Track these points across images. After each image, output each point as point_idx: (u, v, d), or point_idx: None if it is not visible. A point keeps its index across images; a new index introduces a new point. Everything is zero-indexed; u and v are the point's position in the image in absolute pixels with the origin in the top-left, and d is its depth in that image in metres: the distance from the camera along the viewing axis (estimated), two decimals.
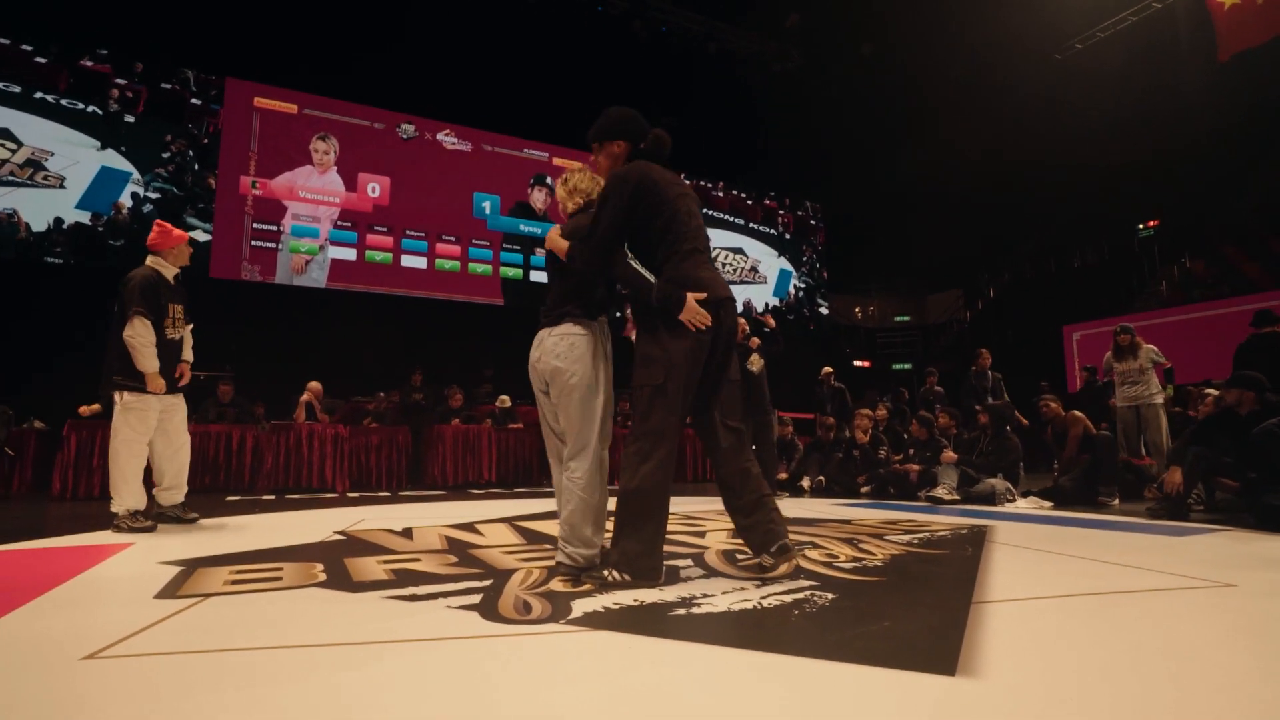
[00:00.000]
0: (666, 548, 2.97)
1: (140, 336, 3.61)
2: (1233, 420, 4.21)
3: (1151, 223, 16.31)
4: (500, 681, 1.32)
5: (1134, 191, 16.09)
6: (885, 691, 1.25)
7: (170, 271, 3.90)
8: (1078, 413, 5.59)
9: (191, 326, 4.04)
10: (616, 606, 1.89)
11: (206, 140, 10.44)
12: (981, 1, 13.27)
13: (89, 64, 9.81)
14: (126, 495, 3.60)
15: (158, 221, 4.01)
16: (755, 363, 5.50)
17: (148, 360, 3.64)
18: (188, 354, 3.98)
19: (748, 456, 2.37)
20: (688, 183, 2.53)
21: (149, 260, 3.87)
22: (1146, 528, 3.75)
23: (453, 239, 12.09)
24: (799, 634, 1.65)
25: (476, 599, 1.98)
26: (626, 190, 2.23)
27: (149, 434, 3.73)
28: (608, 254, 2.26)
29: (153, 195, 9.93)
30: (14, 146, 9.16)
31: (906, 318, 19.44)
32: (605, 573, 2.18)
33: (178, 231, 3.98)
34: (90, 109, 9.70)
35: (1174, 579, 2.29)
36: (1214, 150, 15.18)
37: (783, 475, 6.65)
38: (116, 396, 3.65)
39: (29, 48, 9.43)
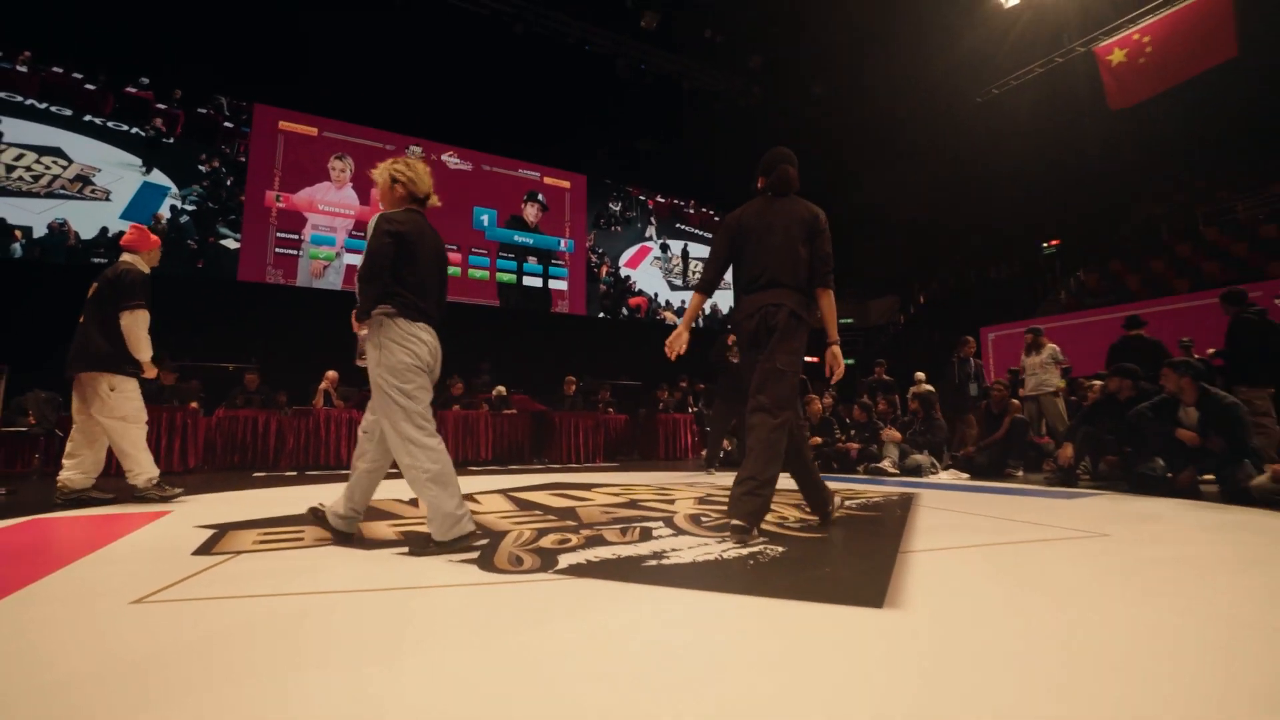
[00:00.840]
0: (638, 512, 3.02)
1: (142, 327, 3.39)
2: (1114, 404, 4.36)
3: (1054, 242, 16.75)
4: (496, 618, 1.35)
5: (1039, 216, 16.55)
6: (824, 620, 1.30)
7: (146, 270, 3.60)
8: (1016, 401, 5.76)
9: None
10: (597, 559, 1.92)
11: (243, 158, 10.24)
12: (915, 50, 13.46)
13: (133, 91, 9.55)
14: (146, 465, 3.42)
15: (135, 225, 3.69)
16: (735, 354, 5.55)
17: (147, 349, 3.43)
18: None
19: (756, 437, 2.26)
20: (808, 203, 2.52)
21: (129, 258, 3.53)
22: (1043, 493, 3.88)
23: (454, 247, 11.96)
24: (753, 578, 1.69)
25: (475, 554, 1.99)
26: (720, 233, 2.61)
27: (144, 410, 3.51)
28: (711, 283, 2.56)
29: (189, 208, 9.68)
30: (66, 163, 8.92)
31: (850, 320, 19.70)
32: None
33: (155, 237, 3.69)
34: (134, 131, 9.45)
35: (1062, 531, 2.39)
36: (1105, 183, 15.66)
37: None
38: (105, 379, 3.34)
39: (79, 76, 9.21)
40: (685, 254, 15.06)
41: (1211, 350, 6.14)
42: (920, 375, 8.18)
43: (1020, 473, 5.28)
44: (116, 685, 0.98)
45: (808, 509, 2.75)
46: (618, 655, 1.11)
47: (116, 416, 3.37)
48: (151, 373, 3.52)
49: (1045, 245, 16.81)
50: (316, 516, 2.29)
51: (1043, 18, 12.55)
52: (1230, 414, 3.57)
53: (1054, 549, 2.08)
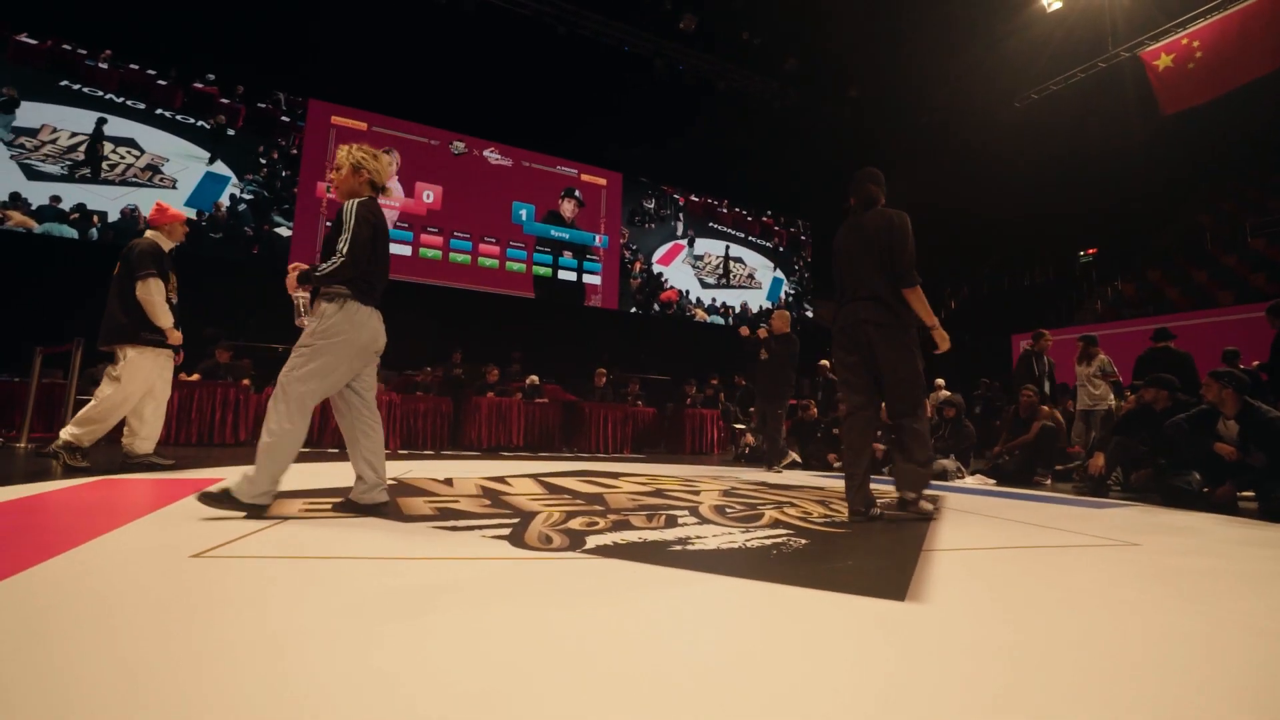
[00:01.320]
0: (664, 500, 3.02)
1: (157, 294, 3.41)
2: (1149, 415, 4.19)
3: (1090, 250, 16.13)
4: (525, 590, 1.37)
5: (1077, 223, 15.94)
6: (846, 609, 1.29)
7: (167, 245, 3.59)
8: (1046, 408, 5.57)
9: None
10: (624, 542, 1.92)
11: (296, 151, 10.55)
12: (953, 54, 13.09)
13: (200, 86, 9.96)
14: (85, 433, 3.33)
15: (158, 202, 3.75)
16: (766, 352, 5.54)
17: (165, 315, 3.45)
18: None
19: (907, 435, 2.73)
20: (886, 211, 2.68)
21: (148, 233, 3.58)
22: (1072, 501, 3.75)
23: (493, 240, 12.13)
24: (776, 567, 1.67)
25: (506, 531, 2.02)
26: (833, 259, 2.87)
27: (146, 387, 3.53)
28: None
29: (247, 197, 10.02)
30: (138, 153, 9.37)
31: None
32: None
33: (173, 211, 3.69)
34: (199, 124, 9.85)
35: (1089, 539, 2.31)
36: (1145, 191, 14.99)
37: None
38: (120, 351, 3.41)
39: (153, 72, 9.68)
40: (727, 253, 15.00)
41: (1256, 363, 5.86)
42: (940, 381, 7.98)
43: (1048, 481, 5.11)
44: (174, 619, 1.02)
45: (833, 505, 2.71)
46: (640, 632, 1.12)
47: (121, 386, 3.42)
48: (175, 338, 3.53)
49: (1082, 254, 16.20)
50: (348, 506, 2.31)
51: (1086, 22, 12.05)
52: (1273, 429, 3.39)
53: (1083, 554, 2.01)
